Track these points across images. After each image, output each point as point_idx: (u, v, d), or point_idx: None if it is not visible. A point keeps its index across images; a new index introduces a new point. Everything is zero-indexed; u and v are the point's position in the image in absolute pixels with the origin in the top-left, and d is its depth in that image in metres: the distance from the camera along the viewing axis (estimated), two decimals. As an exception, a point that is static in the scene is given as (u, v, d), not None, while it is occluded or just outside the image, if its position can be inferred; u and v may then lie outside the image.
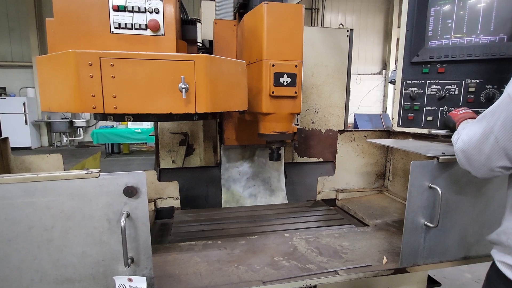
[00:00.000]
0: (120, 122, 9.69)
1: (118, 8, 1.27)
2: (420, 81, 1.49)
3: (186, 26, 1.89)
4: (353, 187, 2.23)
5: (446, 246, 1.23)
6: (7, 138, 1.65)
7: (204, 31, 2.42)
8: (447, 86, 1.43)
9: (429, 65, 1.46)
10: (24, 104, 9.44)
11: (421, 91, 1.49)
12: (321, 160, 2.71)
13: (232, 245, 1.45)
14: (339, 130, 2.13)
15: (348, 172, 2.21)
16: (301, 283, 1.12)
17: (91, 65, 1.13)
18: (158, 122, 2.60)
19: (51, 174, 0.87)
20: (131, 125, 9.01)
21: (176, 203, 1.99)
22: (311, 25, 13.16)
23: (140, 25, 1.30)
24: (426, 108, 1.49)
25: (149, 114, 1.25)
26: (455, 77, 1.41)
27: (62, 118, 10.04)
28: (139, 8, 1.29)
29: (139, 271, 0.96)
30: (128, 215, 0.92)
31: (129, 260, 0.94)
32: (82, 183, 0.89)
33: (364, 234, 1.59)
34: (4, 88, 9.85)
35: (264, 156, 2.33)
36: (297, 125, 2.43)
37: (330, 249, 1.41)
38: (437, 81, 1.45)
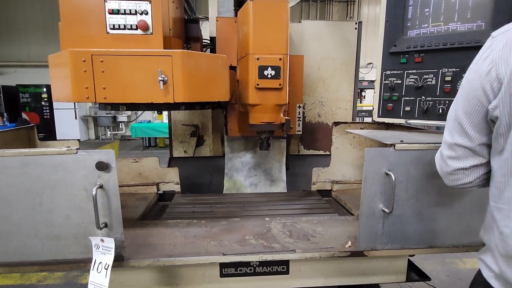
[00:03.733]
0: (157, 117, 10.33)
1: (112, 12, 1.46)
2: (399, 71, 1.50)
3: (188, 24, 2.05)
4: (350, 179, 2.25)
5: (408, 233, 1.25)
6: (34, 126, 1.95)
7: (211, 29, 2.57)
8: (425, 76, 1.43)
9: (406, 55, 1.46)
10: (74, 100, 10.45)
11: (400, 81, 1.50)
12: (327, 153, 2.74)
13: (213, 224, 1.59)
14: (334, 122, 2.15)
15: (344, 164, 2.23)
16: (256, 257, 1.23)
17: (85, 61, 1.33)
18: (172, 115, 2.82)
19: (40, 150, 1.07)
20: (166, 120, 9.56)
21: (177, 188, 2.17)
22: (346, 18, 12.79)
23: (131, 25, 1.48)
24: (405, 98, 1.49)
25: (136, 103, 1.43)
26: (432, 67, 1.40)
27: (107, 113, 10.95)
28: (130, 10, 1.47)
29: (112, 235, 1.14)
30: (101, 186, 1.10)
31: (102, 225, 1.12)
32: (64, 158, 1.08)
33: (343, 222, 1.63)
34: (58, 86, 10.98)
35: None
36: (299, 118, 2.49)
37: (302, 232, 1.49)
38: (414, 71, 1.45)
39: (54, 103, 10.11)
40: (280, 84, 1.72)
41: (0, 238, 1.11)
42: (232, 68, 1.97)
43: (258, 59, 1.69)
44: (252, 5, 1.66)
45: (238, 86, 1.93)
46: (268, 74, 1.70)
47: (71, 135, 10.08)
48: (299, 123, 2.45)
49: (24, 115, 10.38)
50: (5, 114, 9.34)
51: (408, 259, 1.58)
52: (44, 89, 10.32)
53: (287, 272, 1.48)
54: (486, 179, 0.91)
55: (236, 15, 2.30)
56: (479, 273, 0.95)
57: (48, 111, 10.31)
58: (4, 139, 1.71)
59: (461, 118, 0.87)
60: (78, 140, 2.01)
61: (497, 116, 0.79)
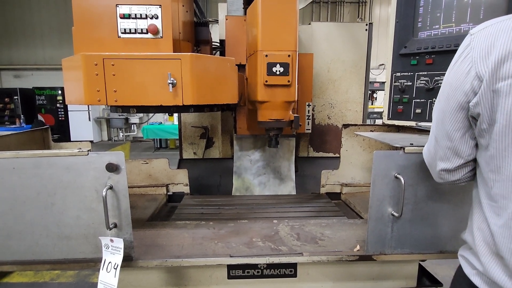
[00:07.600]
0: (168, 119, 10.45)
1: (124, 16, 1.49)
2: (409, 73, 1.47)
3: (198, 28, 2.07)
4: (359, 182, 2.22)
5: (417, 237, 1.23)
6: (48, 127, 2.00)
7: (221, 31, 2.59)
8: (436, 78, 1.40)
9: (417, 57, 1.44)
10: (88, 102, 10.71)
11: (410, 83, 1.47)
12: (337, 155, 2.71)
13: (220, 226, 1.59)
14: (343, 124, 2.13)
15: (354, 167, 2.21)
16: (263, 260, 1.23)
17: (96, 65, 1.36)
18: (182, 117, 2.85)
19: (52, 151, 1.10)
20: (177, 122, 9.66)
21: (186, 189, 2.19)
22: (357, 20, 12.67)
23: (142, 29, 1.50)
24: (415, 100, 1.47)
25: (146, 106, 1.45)
26: (443, 68, 1.36)
27: (119, 115, 11.15)
28: (141, 15, 1.49)
29: (121, 235, 1.16)
30: (111, 187, 1.12)
31: (112, 225, 1.14)
32: (75, 159, 1.10)
33: (352, 225, 1.61)
34: (73, 89, 11.27)
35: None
36: (308, 117, 2.46)
37: (310, 235, 1.48)
38: (425, 73, 1.43)
39: (68, 105, 10.36)
40: (288, 81, 1.71)
41: (14, 237, 1.15)
42: (241, 67, 1.96)
43: (266, 55, 1.68)
44: (260, 2, 1.66)
45: (247, 84, 1.93)
46: (276, 70, 1.69)
47: (85, 136, 10.31)
48: (308, 122, 2.43)
49: (40, 117, 10.68)
50: (22, 116, 9.62)
51: (420, 264, 1.55)
52: (59, 92, 10.61)
53: (295, 275, 1.47)
54: (472, 175, 0.92)
55: (245, 14, 2.30)
56: (460, 270, 0.95)
57: (63, 113, 10.59)
58: (19, 140, 1.76)
59: (443, 119, 0.88)
60: (91, 141, 2.05)
61: (478, 113, 0.79)
